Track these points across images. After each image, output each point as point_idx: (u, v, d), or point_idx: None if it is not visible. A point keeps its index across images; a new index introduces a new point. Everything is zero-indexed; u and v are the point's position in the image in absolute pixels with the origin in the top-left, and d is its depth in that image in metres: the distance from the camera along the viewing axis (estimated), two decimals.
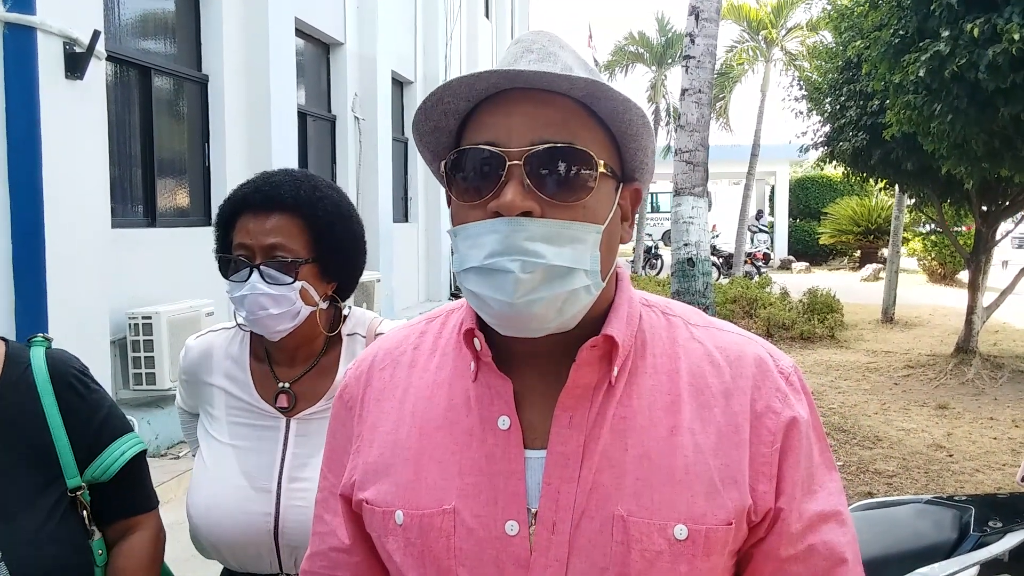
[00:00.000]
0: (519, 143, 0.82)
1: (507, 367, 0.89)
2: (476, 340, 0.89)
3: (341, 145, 10.37)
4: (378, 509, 0.91)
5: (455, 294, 14.39)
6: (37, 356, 1.30)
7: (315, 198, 1.49)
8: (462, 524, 0.85)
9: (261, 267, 1.45)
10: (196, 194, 7.20)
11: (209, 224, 7.24)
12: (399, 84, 12.77)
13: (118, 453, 1.33)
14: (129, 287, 5.73)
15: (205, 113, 7.27)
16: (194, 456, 1.80)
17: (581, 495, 0.83)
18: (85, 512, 1.27)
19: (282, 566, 1.48)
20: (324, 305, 1.54)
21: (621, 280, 0.94)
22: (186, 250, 6.57)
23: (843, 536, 0.89)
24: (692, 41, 6.46)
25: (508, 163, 0.81)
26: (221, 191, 7.30)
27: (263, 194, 1.47)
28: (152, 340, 5.53)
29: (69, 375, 1.31)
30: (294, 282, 1.46)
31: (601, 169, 0.84)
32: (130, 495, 1.36)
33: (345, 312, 1.63)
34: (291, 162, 8.04)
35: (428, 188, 13.70)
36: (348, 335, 1.60)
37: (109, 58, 5.51)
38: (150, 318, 5.54)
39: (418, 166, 13.44)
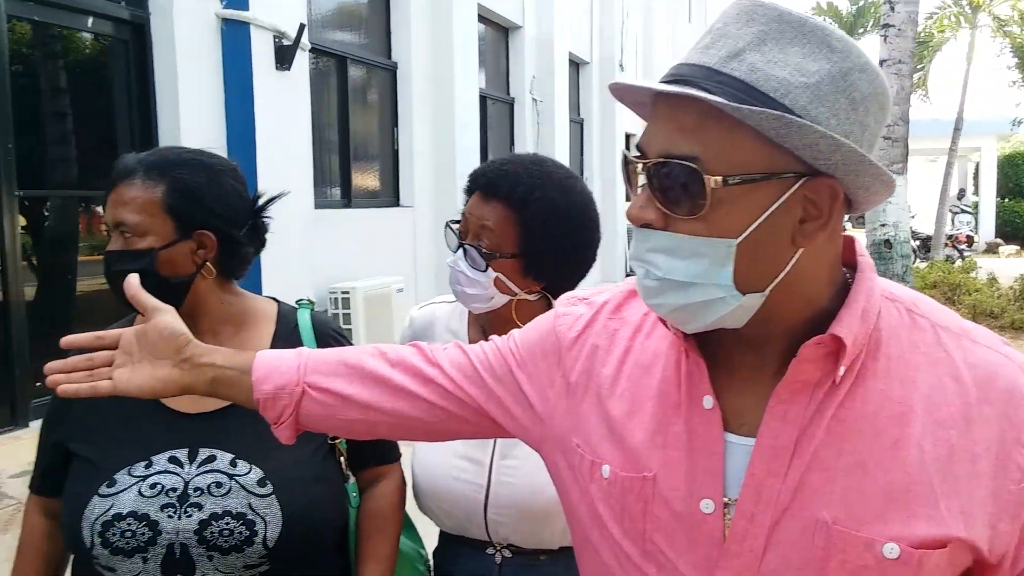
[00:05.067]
0: (652, 152, 0.81)
1: (713, 346, 0.88)
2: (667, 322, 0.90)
3: (519, 127, 10.54)
4: (587, 457, 0.94)
5: (631, 274, 14.30)
6: (304, 316, 1.44)
7: (530, 198, 1.45)
8: (659, 494, 0.87)
9: (466, 246, 1.48)
10: (386, 177, 7.57)
11: (398, 205, 7.62)
12: (575, 65, 12.79)
13: None
14: (329, 264, 6.13)
15: (394, 99, 7.62)
16: None
17: (786, 493, 0.81)
18: (342, 459, 1.40)
19: (490, 536, 1.50)
20: (532, 298, 1.52)
21: (861, 271, 0.86)
22: (378, 230, 6.93)
23: None
24: (892, 8, 6.08)
25: (639, 172, 0.82)
26: (408, 174, 7.64)
27: (487, 179, 1.48)
28: (350, 313, 5.90)
29: (328, 335, 1.43)
30: (486, 270, 1.47)
31: (712, 186, 0.77)
32: (380, 445, 1.47)
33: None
34: (473, 145, 8.28)
35: (603, 168, 13.67)
36: None
37: (311, 49, 5.89)
38: (348, 293, 5.92)
39: (594, 146, 13.44)
